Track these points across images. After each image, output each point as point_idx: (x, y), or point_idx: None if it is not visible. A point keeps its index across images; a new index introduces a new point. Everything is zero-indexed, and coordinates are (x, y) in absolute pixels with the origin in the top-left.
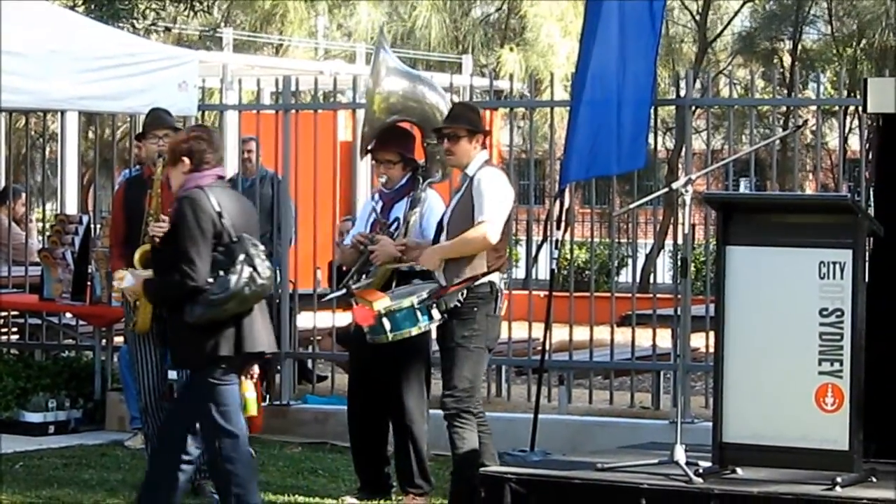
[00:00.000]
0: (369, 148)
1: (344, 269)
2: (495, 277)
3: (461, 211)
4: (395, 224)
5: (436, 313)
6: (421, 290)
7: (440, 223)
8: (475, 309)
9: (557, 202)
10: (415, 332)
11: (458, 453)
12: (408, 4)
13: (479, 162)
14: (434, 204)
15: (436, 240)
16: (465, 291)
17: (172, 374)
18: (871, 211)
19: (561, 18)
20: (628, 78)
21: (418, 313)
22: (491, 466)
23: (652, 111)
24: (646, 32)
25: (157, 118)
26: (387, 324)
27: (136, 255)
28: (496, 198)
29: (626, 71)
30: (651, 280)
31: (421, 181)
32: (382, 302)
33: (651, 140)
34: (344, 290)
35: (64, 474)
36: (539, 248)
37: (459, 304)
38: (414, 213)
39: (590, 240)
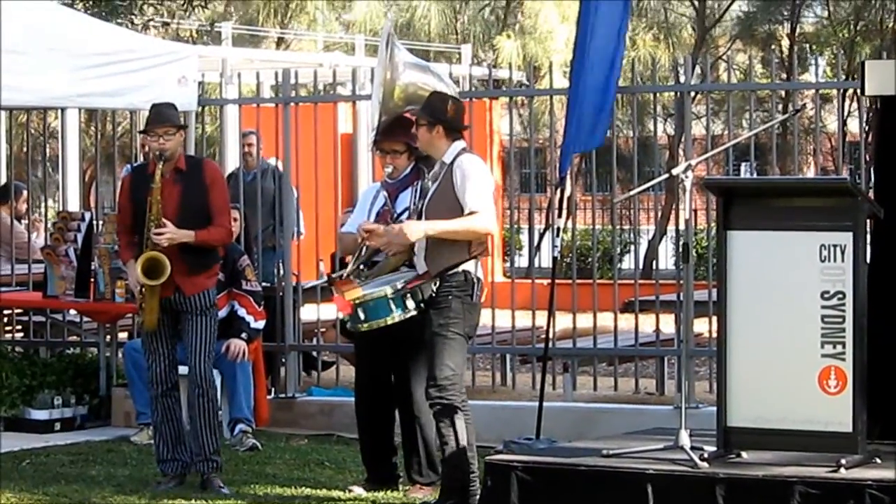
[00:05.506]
0: (375, 139)
1: (346, 259)
2: (470, 266)
3: (440, 199)
4: (406, 214)
5: (410, 303)
6: (397, 279)
7: (419, 212)
8: (449, 297)
9: (559, 190)
10: (389, 321)
11: (446, 445)
12: None
13: (455, 150)
14: None
15: None
16: (438, 281)
17: (183, 369)
18: (871, 193)
19: (559, 2)
20: (595, 63)
21: (392, 303)
22: (496, 455)
23: (652, 97)
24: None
25: (158, 115)
26: (361, 314)
27: (139, 263)
28: (483, 185)
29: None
30: (654, 266)
31: (426, 171)
32: (354, 293)
33: (651, 126)
34: (326, 281)
35: (71, 471)
36: (541, 236)
37: (434, 294)
38: (424, 203)
39: (592, 227)
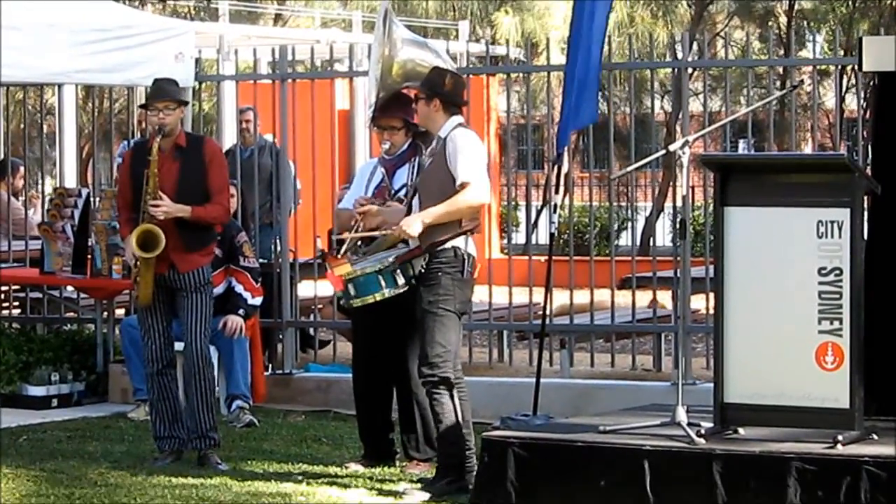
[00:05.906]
0: (373, 115)
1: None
2: (460, 242)
3: (433, 172)
4: (404, 190)
5: (401, 279)
6: (389, 255)
7: (415, 186)
8: (439, 274)
9: (556, 166)
10: (379, 297)
11: (440, 422)
12: None
13: (451, 125)
14: None
15: (409, 203)
16: (427, 256)
17: (178, 346)
18: (869, 170)
19: None
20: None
21: (381, 279)
22: (493, 431)
23: (649, 73)
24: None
25: (158, 90)
26: (351, 289)
27: (134, 235)
28: (474, 157)
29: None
30: (651, 242)
31: (423, 147)
32: (343, 269)
33: (648, 103)
34: (319, 256)
35: (68, 447)
36: (539, 212)
37: (424, 270)
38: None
39: (589, 203)
